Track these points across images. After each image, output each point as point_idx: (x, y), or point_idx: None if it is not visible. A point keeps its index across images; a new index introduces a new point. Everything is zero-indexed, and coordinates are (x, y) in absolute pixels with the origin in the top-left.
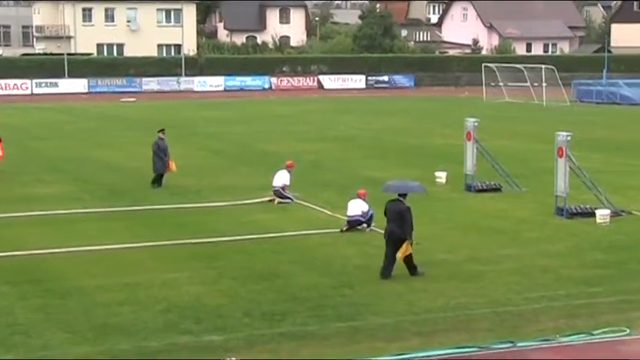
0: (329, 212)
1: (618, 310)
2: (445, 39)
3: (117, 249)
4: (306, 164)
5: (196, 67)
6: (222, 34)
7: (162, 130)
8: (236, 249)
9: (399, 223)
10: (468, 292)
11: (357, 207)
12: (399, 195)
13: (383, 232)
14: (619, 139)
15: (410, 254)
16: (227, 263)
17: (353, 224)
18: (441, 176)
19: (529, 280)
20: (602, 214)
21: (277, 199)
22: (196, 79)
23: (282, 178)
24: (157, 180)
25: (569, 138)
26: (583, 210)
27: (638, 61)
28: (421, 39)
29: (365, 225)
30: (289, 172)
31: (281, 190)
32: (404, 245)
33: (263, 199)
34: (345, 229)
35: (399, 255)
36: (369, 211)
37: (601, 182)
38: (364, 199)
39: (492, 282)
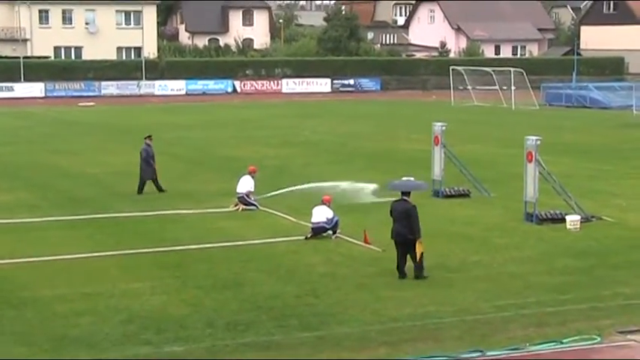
0: (293, 219)
1: (589, 318)
2: (412, 41)
3: (77, 258)
4: (271, 169)
5: (157, 70)
6: (184, 37)
7: (149, 137)
8: (200, 257)
9: (405, 222)
10: (436, 300)
11: (321, 213)
12: (403, 194)
13: (391, 233)
14: (588, 143)
15: (421, 254)
16: (191, 272)
17: (317, 231)
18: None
19: (498, 287)
20: (573, 220)
21: (242, 206)
22: (157, 82)
23: (246, 185)
24: (142, 187)
25: (538, 142)
26: (553, 216)
27: (607, 64)
28: (388, 41)
29: (330, 232)
30: (253, 177)
31: (245, 196)
32: (417, 245)
33: (228, 209)
34: (309, 236)
35: (417, 256)
36: (334, 217)
37: (571, 187)
38: (329, 206)
39: (461, 289)
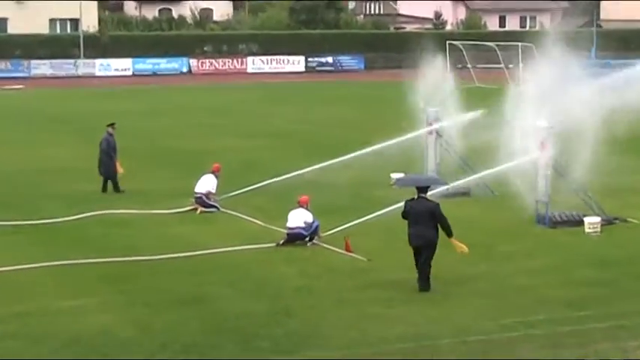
0: (262, 223)
1: (613, 338)
2: (401, 12)
3: (4, 272)
4: (235, 165)
5: (98, 47)
6: (130, 7)
7: (111, 125)
8: (151, 269)
9: (429, 224)
10: (431, 318)
11: (298, 217)
12: (420, 190)
13: (408, 238)
14: (609, 131)
15: (430, 265)
16: (140, 286)
17: (293, 238)
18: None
19: (504, 302)
20: (592, 223)
21: (200, 208)
22: (98, 61)
23: (206, 184)
24: (106, 185)
25: (552, 130)
26: (569, 217)
27: (632, 37)
28: (372, 12)
29: (307, 239)
30: (216, 176)
31: (204, 197)
32: (455, 244)
33: (183, 209)
34: (282, 242)
35: (464, 249)
36: (313, 222)
37: (589, 183)
38: (307, 208)
39: (460, 306)
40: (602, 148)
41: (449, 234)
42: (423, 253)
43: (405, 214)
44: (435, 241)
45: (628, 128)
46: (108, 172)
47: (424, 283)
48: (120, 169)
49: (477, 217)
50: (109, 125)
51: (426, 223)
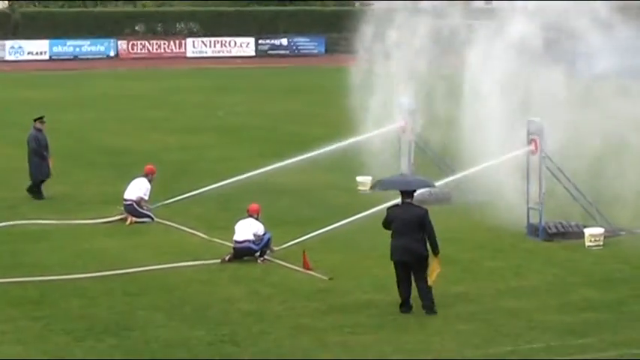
0: (204, 235)
1: None
2: None
3: None
4: (171, 166)
5: (8, 25)
6: None
7: (39, 119)
8: (71, 290)
9: (417, 235)
10: (404, 347)
11: (247, 229)
12: (406, 195)
13: (391, 251)
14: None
15: (427, 281)
16: (57, 311)
17: (241, 253)
18: (365, 182)
19: (491, 328)
20: (594, 235)
21: (130, 218)
22: (8, 43)
23: (138, 189)
24: (37, 188)
25: (545, 126)
26: (566, 228)
27: None
28: None
29: (258, 254)
30: (149, 180)
31: (135, 204)
32: (434, 264)
33: (110, 219)
34: (228, 258)
35: (433, 279)
36: (264, 234)
37: (590, 189)
38: (257, 218)
39: (439, 332)
40: (607, 146)
41: (435, 249)
42: (406, 270)
43: (387, 224)
44: (425, 255)
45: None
46: (40, 175)
47: (431, 303)
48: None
49: (459, 227)
50: (36, 120)
51: (414, 233)
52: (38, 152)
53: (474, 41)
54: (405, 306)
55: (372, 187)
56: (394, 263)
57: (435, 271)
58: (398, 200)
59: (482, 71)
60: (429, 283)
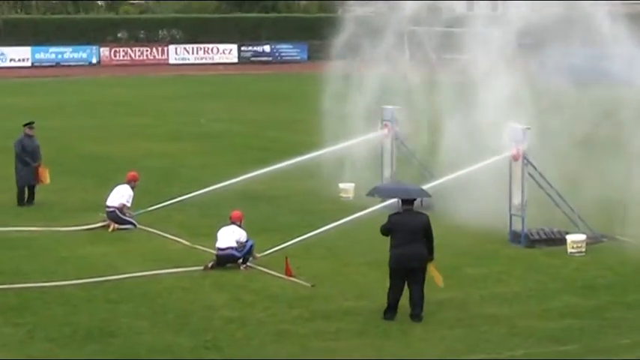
0: (187, 242)
1: None
2: None
3: None
4: (154, 173)
5: None
6: None
7: (29, 124)
8: (53, 298)
9: (421, 241)
10: (386, 354)
11: (230, 236)
12: (407, 203)
13: (395, 259)
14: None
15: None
16: (40, 318)
17: (224, 260)
18: (348, 189)
19: (473, 335)
20: (576, 241)
21: (113, 225)
22: None
23: (120, 196)
24: (23, 196)
25: (528, 133)
26: (548, 235)
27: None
28: None
29: (240, 261)
30: (132, 187)
31: (118, 211)
32: (431, 268)
33: (92, 226)
34: (210, 265)
35: (440, 282)
36: (247, 241)
37: (573, 195)
38: (240, 225)
39: (421, 338)
40: (589, 153)
41: (432, 254)
42: (414, 277)
43: (388, 231)
44: (426, 261)
45: (618, 131)
46: (22, 181)
47: (421, 311)
48: (45, 179)
49: (441, 234)
50: (25, 125)
51: (419, 240)
52: (21, 158)
53: (456, 47)
54: (391, 312)
55: (368, 194)
56: (394, 270)
57: (438, 276)
58: (386, 203)
59: (464, 77)
60: (441, 285)
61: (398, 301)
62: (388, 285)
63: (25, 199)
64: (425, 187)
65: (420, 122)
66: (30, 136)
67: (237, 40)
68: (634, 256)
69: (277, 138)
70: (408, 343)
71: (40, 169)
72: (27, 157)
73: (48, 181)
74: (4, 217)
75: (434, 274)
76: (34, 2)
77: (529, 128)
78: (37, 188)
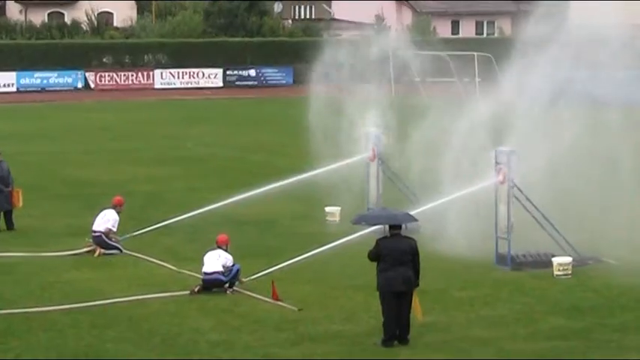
0: (173, 267)
1: None
2: (337, 16)
3: None
4: (140, 197)
5: None
6: (14, 10)
7: None
8: (38, 323)
9: (409, 265)
10: None
11: (216, 260)
12: (395, 228)
13: (384, 282)
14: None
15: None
16: (25, 344)
17: (210, 284)
18: (334, 212)
19: (460, 358)
20: (562, 264)
21: (99, 250)
22: None
23: (106, 221)
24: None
25: (514, 156)
26: (535, 257)
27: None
28: (303, 16)
29: (227, 285)
30: (118, 212)
31: (104, 236)
32: (415, 298)
33: (78, 251)
34: (197, 290)
35: (420, 315)
36: (233, 265)
37: (558, 217)
38: (226, 249)
39: None
40: (573, 175)
41: (417, 279)
42: (403, 300)
43: (376, 255)
44: (415, 285)
45: (602, 152)
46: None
47: (407, 334)
48: (18, 202)
49: (427, 257)
50: None
51: (408, 263)
52: None
53: (443, 71)
54: (392, 340)
55: (354, 223)
56: (386, 295)
57: (418, 309)
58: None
59: (451, 99)
60: (421, 318)
61: (396, 331)
62: (383, 314)
63: (5, 225)
64: (412, 212)
65: (404, 144)
66: None
67: (222, 64)
68: (619, 278)
69: (263, 161)
70: None
71: (14, 193)
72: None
73: (21, 204)
74: None
75: (415, 306)
76: (18, 26)
77: (514, 151)
78: (16, 214)
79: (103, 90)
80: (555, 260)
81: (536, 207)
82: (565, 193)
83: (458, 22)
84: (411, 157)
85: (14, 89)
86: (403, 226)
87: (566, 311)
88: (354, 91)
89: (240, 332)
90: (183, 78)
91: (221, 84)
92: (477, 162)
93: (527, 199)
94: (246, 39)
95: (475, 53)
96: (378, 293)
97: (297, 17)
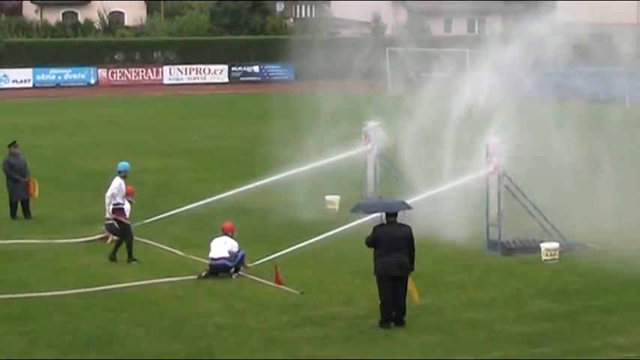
0: (181, 253)
1: None
2: (336, 15)
3: None
4: (149, 188)
5: None
6: (30, 10)
7: (13, 144)
8: (54, 307)
9: (405, 251)
10: (371, 357)
11: (222, 246)
12: (391, 215)
13: (381, 266)
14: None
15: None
16: (42, 326)
17: (217, 269)
18: (333, 201)
19: (453, 339)
20: (550, 249)
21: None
22: None
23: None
24: (16, 210)
25: (504, 147)
26: (524, 243)
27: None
28: (304, 15)
29: (233, 270)
30: (129, 201)
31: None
32: (411, 283)
33: (91, 238)
34: (204, 275)
35: (417, 297)
36: (239, 251)
37: (548, 206)
38: (232, 236)
39: (403, 344)
40: (560, 165)
41: (413, 265)
42: (399, 285)
43: (374, 242)
44: (410, 270)
45: (588, 144)
46: (15, 196)
47: (403, 316)
48: (34, 192)
49: (422, 243)
50: (10, 145)
51: (404, 249)
52: (10, 176)
53: (438, 66)
54: (389, 322)
55: (352, 211)
56: (383, 279)
57: (415, 292)
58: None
59: (445, 95)
60: (417, 300)
61: (392, 313)
62: (380, 297)
63: (23, 214)
64: (407, 201)
65: (401, 138)
66: (15, 155)
67: (227, 60)
68: (603, 263)
69: (266, 153)
70: (391, 347)
71: (30, 183)
72: (16, 175)
73: (37, 194)
74: (6, 230)
75: (412, 289)
76: (34, 26)
77: (505, 143)
78: (32, 203)
79: (114, 86)
80: (543, 246)
81: (525, 195)
82: (554, 182)
83: (450, 20)
84: (407, 149)
85: (30, 85)
86: (400, 213)
87: (553, 294)
88: (352, 86)
89: (245, 315)
90: (190, 74)
91: (226, 79)
92: (470, 153)
93: (517, 188)
94: (250, 37)
95: (467, 50)
96: (375, 277)
97: (298, 16)
